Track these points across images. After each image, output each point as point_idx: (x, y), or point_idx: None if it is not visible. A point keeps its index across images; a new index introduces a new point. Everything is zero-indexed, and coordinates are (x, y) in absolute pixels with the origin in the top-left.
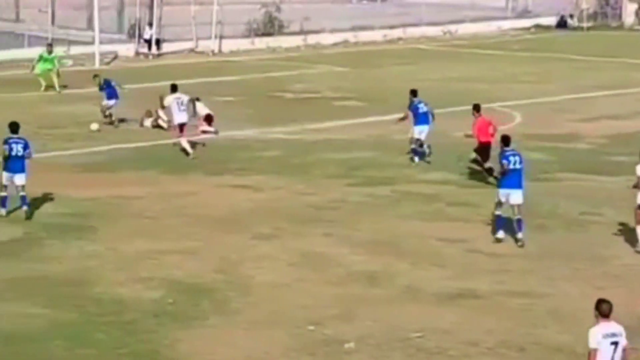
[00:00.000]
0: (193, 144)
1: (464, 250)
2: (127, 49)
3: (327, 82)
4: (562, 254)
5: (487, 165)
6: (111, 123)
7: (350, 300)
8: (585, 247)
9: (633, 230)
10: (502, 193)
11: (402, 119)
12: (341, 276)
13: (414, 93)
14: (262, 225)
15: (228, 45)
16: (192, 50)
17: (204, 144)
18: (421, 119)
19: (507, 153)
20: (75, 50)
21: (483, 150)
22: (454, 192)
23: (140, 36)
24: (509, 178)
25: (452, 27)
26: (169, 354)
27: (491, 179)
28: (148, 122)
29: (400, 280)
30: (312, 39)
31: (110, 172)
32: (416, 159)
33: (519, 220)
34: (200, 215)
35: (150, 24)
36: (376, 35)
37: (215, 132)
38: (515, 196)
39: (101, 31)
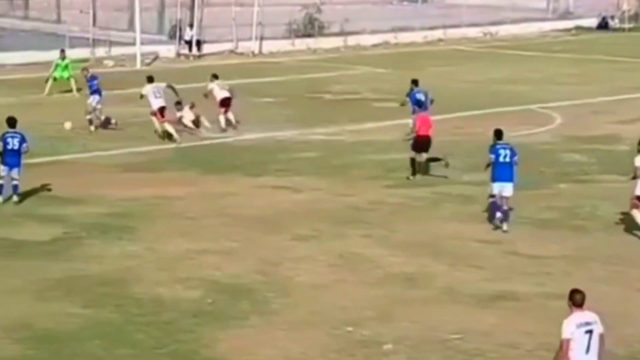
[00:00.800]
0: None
1: (503, 251)
2: (167, 50)
3: (367, 83)
4: (601, 256)
5: (427, 156)
6: (105, 125)
7: (388, 302)
8: (624, 249)
9: None
10: (496, 186)
11: (402, 104)
12: (379, 277)
13: (415, 83)
14: (301, 226)
15: (268, 46)
16: (232, 52)
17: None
18: (421, 108)
19: (498, 146)
20: (116, 51)
21: (420, 143)
22: None
23: (181, 37)
24: (501, 172)
25: (493, 29)
26: (208, 354)
27: (414, 178)
28: (189, 117)
29: (438, 281)
30: (352, 40)
31: (151, 173)
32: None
33: (506, 212)
34: (239, 215)
35: (191, 25)
36: (416, 36)
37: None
38: (506, 189)
39: (142, 32)
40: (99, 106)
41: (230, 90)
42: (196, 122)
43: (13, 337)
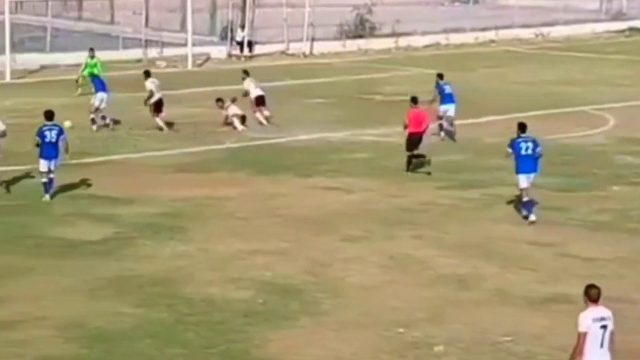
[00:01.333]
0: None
1: (555, 254)
2: (219, 51)
3: (418, 84)
4: None
5: (414, 152)
6: (106, 125)
7: (439, 303)
8: None
9: None
10: (522, 178)
11: (432, 101)
12: (430, 279)
13: (440, 76)
14: (352, 227)
15: (319, 47)
16: (283, 53)
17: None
18: (447, 99)
19: (519, 140)
20: (168, 52)
21: (412, 140)
22: (546, 196)
23: (232, 38)
24: (525, 164)
25: (545, 30)
26: (258, 354)
27: (407, 174)
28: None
29: (490, 283)
30: (403, 41)
31: (202, 173)
32: (442, 133)
33: (530, 201)
34: (290, 216)
35: (243, 26)
36: (468, 37)
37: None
38: (529, 178)
39: (194, 33)
40: (103, 106)
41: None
42: (243, 118)
43: (66, 335)
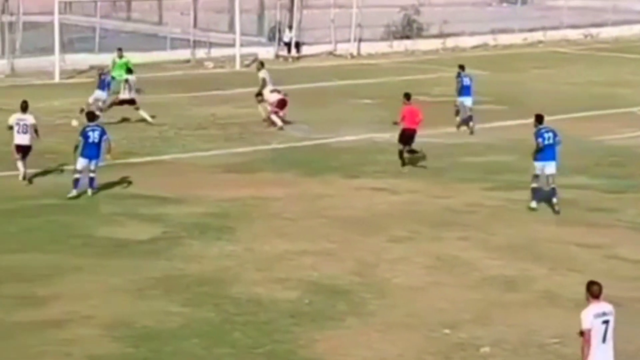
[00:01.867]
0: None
1: (603, 256)
2: (267, 52)
3: None
4: None
5: (407, 148)
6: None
7: (486, 305)
8: None
9: None
10: (539, 166)
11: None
12: (477, 280)
13: (462, 68)
14: (398, 228)
15: (366, 48)
16: (330, 53)
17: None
18: (464, 91)
19: (542, 130)
20: (216, 52)
21: (406, 136)
22: (594, 197)
23: (280, 39)
24: (545, 152)
25: (594, 31)
26: (305, 355)
27: (405, 169)
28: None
29: (537, 285)
30: (451, 42)
31: (249, 173)
32: (457, 118)
33: (553, 189)
34: (337, 217)
35: (290, 27)
36: (516, 38)
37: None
38: (549, 168)
39: (242, 34)
40: (99, 103)
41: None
42: (283, 103)
43: (113, 335)
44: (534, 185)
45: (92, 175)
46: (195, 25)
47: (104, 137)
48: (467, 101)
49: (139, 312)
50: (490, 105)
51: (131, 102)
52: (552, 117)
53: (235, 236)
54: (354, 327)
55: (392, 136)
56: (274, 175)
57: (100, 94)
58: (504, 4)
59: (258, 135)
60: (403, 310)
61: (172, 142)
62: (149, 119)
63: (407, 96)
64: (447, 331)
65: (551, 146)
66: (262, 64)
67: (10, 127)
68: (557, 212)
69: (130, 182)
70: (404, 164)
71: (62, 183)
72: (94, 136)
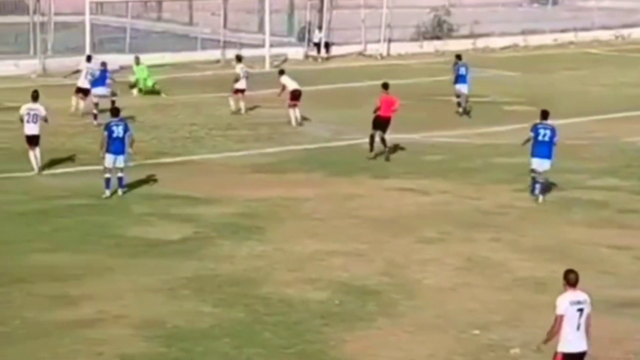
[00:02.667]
0: None
1: (634, 257)
2: (296, 52)
3: (495, 86)
4: None
5: (380, 135)
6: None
7: (516, 306)
8: None
9: None
10: (534, 161)
11: (454, 82)
12: (507, 281)
13: (458, 57)
14: (428, 229)
15: (396, 48)
16: (360, 54)
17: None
18: (460, 79)
19: (539, 126)
20: (246, 52)
21: (379, 122)
22: (625, 199)
23: (309, 39)
24: (540, 148)
25: (625, 32)
26: (335, 355)
27: (371, 154)
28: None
29: None
30: (481, 43)
31: (279, 174)
32: (460, 109)
33: (542, 184)
34: (367, 217)
35: (320, 28)
36: (546, 39)
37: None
38: (544, 164)
39: (272, 34)
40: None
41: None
42: (297, 94)
43: (144, 334)
44: (535, 177)
45: (120, 175)
46: (225, 26)
47: (128, 133)
48: (463, 88)
49: (170, 312)
50: (521, 106)
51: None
52: (582, 118)
53: (265, 236)
54: (383, 328)
55: (423, 136)
56: (304, 175)
57: (100, 90)
58: (535, 5)
59: (288, 135)
60: (433, 311)
61: (202, 143)
62: None
63: (385, 86)
64: (477, 332)
65: (546, 143)
66: (282, 71)
67: (22, 119)
68: (539, 203)
69: (161, 183)
70: (372, 149)
71: (93, 183)
72: (118, 131)
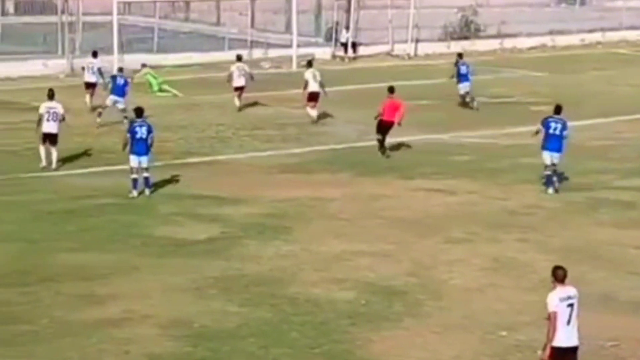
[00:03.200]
0: None
1: None
2: (323, 52)
3: (522, 86)
4: None
5: (378, 137)
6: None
7: (543, 307)
8: None
9: None
10: (545, 154)
11: (452, 77)
12: (535, 282)
13: (460, 56)
14: (455, 229)
15: (424, 48)
16: (387, 54)
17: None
18: (462, 78)
19: (550, 120)
20: (273, 53)
21: (382, 127)
22: None
23: (337, 39)
24: (551, 142)
25: None
26: (361, 355)
27: (384, 155)
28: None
29: (595, 287)
30: (508, 43)
31: (305, 174)
32: (472, 105)
33: (551, 176)
34: (393, 217)
35: (347, 28)
36: (574, 39)
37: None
38: (554, 157)
39: (299, 34)
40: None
41: (321, 82)
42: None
43: (171, 334)
44: (547, 172)
45: (145, 175)
46: (252, 26)
47: (151, 134)
48: (466, 87)
49: (197, 311)
50: (548, 106)
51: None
52: (610, 118)
53: (292, 236)
54: (410, 328)
55: (450, 137)
56: (330, 175)
57: (117, 98)
58: (562, 5)
59: (314, 135)
60: (460, 311)
61: (229, 142)
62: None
63: (391, 89)
64: (503, 333)
65: (557, 137)
66: (310, 63)
67: (40, 117)
68: (550, 194)
69: (188, 183)
70: (383, 151)
71: (121, 183)
72: (141, 132)
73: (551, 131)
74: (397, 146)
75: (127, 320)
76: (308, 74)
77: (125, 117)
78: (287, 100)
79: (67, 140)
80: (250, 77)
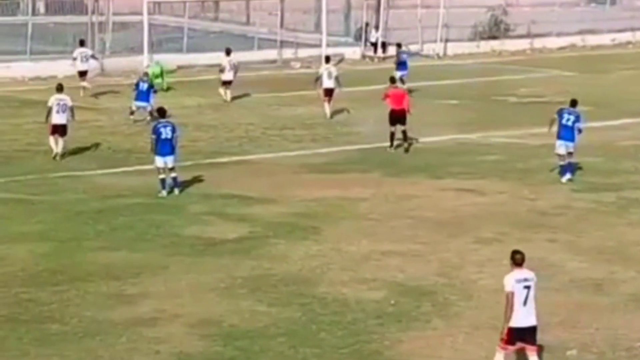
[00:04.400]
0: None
1: None
2: (353, 52)
3: (552, 86)
4: None
5: (402, 128)
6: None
7: (573, 307)
8: None
9: None
10: (558, 144)
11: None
12: (564, 283)
13: (399, 45)
14: (484, 230)
15: (453, 48)
16: (417, 54)
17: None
18: (401, 66)
19: (564, 111)
20: (302, 52)
21: (392, 116)
22: None
23: (366, 39)
24: (563, 132)
25: None
26: (390, 355)
27: (391, 150)
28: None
29: (625, 288)
30: (538, 43)
31: (334, 174)
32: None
33: (569, 164)
34: (423, 217)
35: (377, 27)
36: (604, 39)
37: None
38: (565, 146)
39: (328, 34)
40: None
41: (337, 77)
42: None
43: (200, 333)
44: (562, 163)
45: (173, 175)
46: (282, 26)
47: (175, 134)
48: (403, 74)
49: (226, 311)
50: (578, 106)
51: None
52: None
53: (321, 236)
54: (439, 329)
55: (479, 137)
56: (359, 175)
57: (142, 103)
58: (593, 5)
59: (344, 135)
60: (489, 312)
61: (258, 142)
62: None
63: (392, 80)
64: None
65: (569, 128)
66: (327, 59)
67: (50, 109)
68: (564, 182)
69: (217, 182)
70: (391, 145)
71: (150, 182)
72: (166, 132)
73: (564, 121)
74: (426, 146)
75: (157, 319)
76: (323, 70)
77: (151, 118)
78: (317, 100)
79: (98, 140)
80: (235, 70)
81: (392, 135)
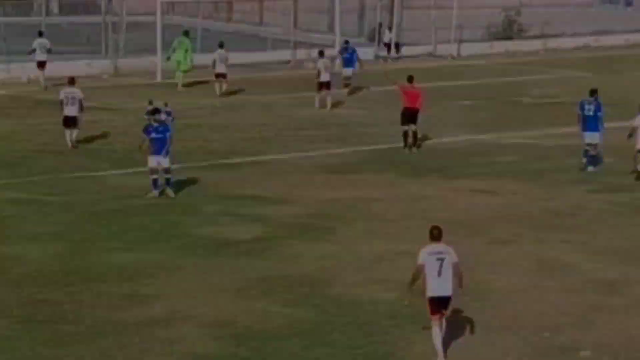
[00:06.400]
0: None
1: None
2: (366, 52)
3: (566, 87)
4: None
5: (413, 128)
6: None
7: (587, 308)
8: None
9: None
10: (586, 136)
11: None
12: (578, 283)
13: (346, 42)
14: (499, 230)
15: (467, 49)
16: (430, 54)
17: None
18: (346, 63)
19: (584, 101)
20: (316, 53)
21: (405, 115)
22: None
23: (380, 40)
24: (587, 123)
25: None
26: (404, 356)
27: (405, 150)
28: None
29: (639, 289)
30: (552, 43)
31: (348, 174)
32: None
33: (593, 156)
34: (437, 218)
35: (390, 28)
36: (618, 39)
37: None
38: (591, 137)
39: (342, 34)
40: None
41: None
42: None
43: (214, 334)
44: (588, 151)
45: (167, 176)
46: (295, 26)
47: (168, 133)
48: (348, 71)
49: (240, 311)
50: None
51: None
52: None
53: (335, 237)
54: (453, 329)
55: (493, 137)
56: (374, 176)
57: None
58: (607, 5)
59: (358, 136)
60: (503, 312)
61: (272, 143)
62: None
63: (410, 79)
64: (547, 334)
65: (592, 117)
66: (321, 53)
67: (61, 102)
68: (589, 172)
69: (231, 183)
70: (405, 144)
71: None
72: (157, 132)
73: (585, 112)
74: (440, 147)
75: (171, 320)
76: (320, 64)
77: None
78: (332, 100)
79: (112, 140)
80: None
81: (406, 134)
